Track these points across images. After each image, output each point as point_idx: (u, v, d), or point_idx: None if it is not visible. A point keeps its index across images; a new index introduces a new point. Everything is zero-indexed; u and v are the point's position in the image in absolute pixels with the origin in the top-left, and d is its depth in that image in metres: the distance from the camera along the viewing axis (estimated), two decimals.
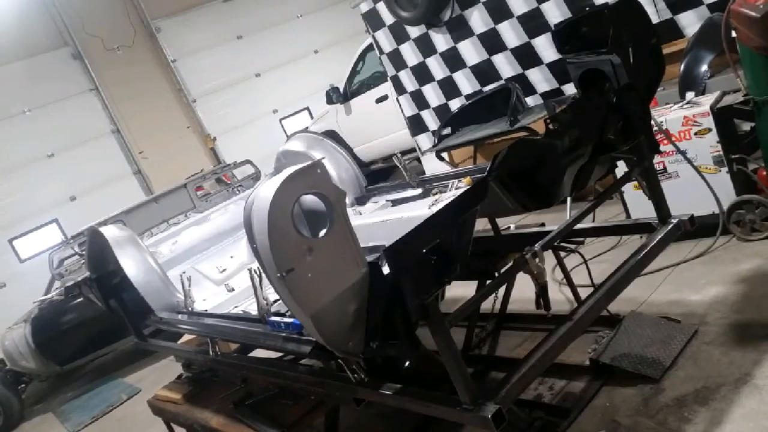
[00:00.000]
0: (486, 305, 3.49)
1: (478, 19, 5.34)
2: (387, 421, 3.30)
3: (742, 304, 2.99)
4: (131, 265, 3.41)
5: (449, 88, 5.97)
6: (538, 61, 5.12)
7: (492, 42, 5.34)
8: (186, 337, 4.20)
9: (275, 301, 2.49)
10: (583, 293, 3.07)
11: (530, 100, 5.22)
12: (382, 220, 3.27)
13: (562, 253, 3.32)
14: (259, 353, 3.56)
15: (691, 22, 4.20)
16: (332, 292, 1.88)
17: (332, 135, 8.34)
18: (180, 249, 4.27)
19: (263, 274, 2.02)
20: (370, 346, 2.01)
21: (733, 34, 3.12)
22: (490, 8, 5.20)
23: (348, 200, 3.70)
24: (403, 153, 6.67)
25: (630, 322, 3.05)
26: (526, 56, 5.17)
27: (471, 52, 5.56)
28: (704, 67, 3.70)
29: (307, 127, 9.76)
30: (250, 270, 2.52)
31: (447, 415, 2.09)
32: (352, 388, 2.36)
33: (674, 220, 2.67)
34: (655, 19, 4.17)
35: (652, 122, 2.97)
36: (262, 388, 3.15)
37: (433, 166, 6.38)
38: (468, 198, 2.04)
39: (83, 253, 4.68)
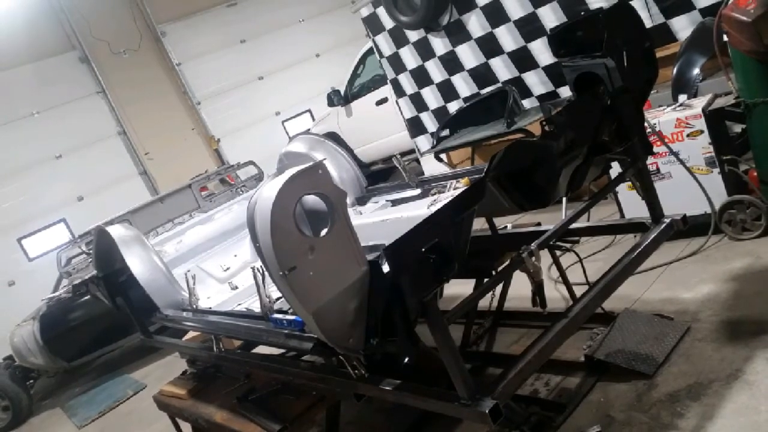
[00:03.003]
0: (483, 303, 3.56)
1: (475, 23, 5.36)
2: (387, 415, 3.33)
3: (734, 301, 3.02)
4: (137, 263, 3.44)
5: (447, 90, 6.00)
6: (534, 65, 5.14)
7: (489, 46, 5.36)
8: (191, 334, 4.22)
9: (278, 299, 2.52)
10: (578, 291, 3.10)
11: (527, 103, 5.24)
12: (382, 220, 3.28)
13: (558, 252, 3.36)
14: (261, 350, 3.56)
15: (683, 26, 4.21)
16: (333, 290, 1.90)
17: (333, 137, 8.36)
18: (185, 248, 4.31)
19: (266, 273, 2.03)
20: (370, 342, 2.02)
21: (725, 38, 3.15)
22: (487, 13, 5.22)
23: (349, 200, 3.73)
24: (403, 154, 6.72)
25: (624, 320, 3.08)
26: (523, 60, 5.19)
27: (469, 55, 5.59)
28: (696, 71, 3.72)
29: (309, 129, 9.77)
30: (253, 268, 2.54)
31: (445, 410, 2.10)
32: (352, 384, 2.38)
33: (667, 220, 2.69)
34: (648, 24, 4.16)
35: (646, 124, 2.99)
36: (264, 383, 3.16)
37: (431, 166, 6.39)
38: (466, 198, 2.06)
39: (90, 251, 4.71)
